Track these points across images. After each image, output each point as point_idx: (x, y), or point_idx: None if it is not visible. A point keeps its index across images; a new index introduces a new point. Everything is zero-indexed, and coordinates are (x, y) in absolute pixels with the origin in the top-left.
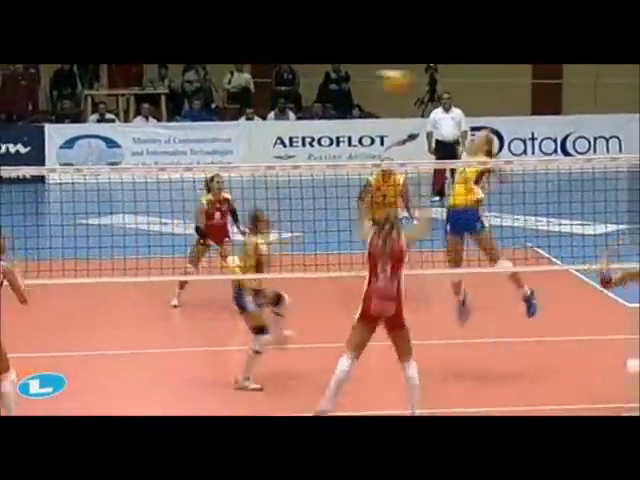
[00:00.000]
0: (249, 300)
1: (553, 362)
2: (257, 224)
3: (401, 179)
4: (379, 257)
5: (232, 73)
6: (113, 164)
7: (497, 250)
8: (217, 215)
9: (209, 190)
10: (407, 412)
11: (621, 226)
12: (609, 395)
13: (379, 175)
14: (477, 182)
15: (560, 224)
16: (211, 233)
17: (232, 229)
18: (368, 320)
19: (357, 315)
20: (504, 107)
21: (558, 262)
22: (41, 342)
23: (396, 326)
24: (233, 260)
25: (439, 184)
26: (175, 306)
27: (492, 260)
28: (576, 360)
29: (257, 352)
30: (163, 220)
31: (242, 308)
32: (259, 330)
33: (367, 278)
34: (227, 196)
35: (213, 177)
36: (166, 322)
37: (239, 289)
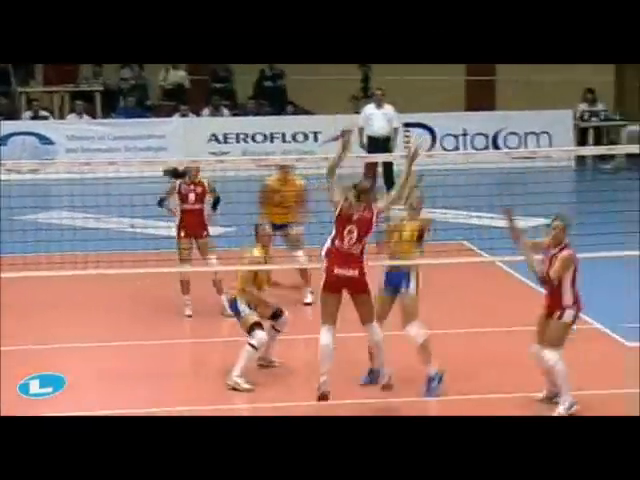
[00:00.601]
0: (242, 305)
1: (478, 352)
2: (257, 237)
3: (301, 183)
4: (347, 222)
5: (167, 70)
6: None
7: (415, 315)
8: (191, 197)
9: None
10: (383, 378)
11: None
12: (532, 385)
13: (278, 177)
14: (420, 238)
15: (488, 218)
16: (187, 220)
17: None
18: (332, 287)
19: (321, 285)
20: (437, 103)
21: (485, 255)
22: None
23: (359, 290)
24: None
25: (371, 178)
26: (189, 315)
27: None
28: (501, 350)
29: (253, 346)
30: (89, 215)
31: (237, 314)
32: (251, 329)
33: (330, 241)
34: (203, 181)
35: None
36: (114, 315)
37: (234, 300)
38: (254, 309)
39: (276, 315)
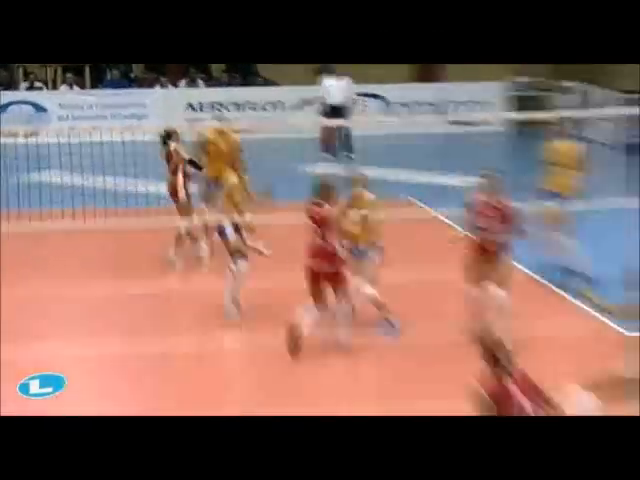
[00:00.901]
0: (229, 229)
1: (426, 299)
2: (234, 169)
3: (235, 138)
4: (312, 222)
5: None
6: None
7: (372, 281)
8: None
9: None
10: (341, 338)
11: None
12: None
13: (214, 129)
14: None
15: (431, 176)
16: (185, 182)
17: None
18: (311, 276)
19: (305, 279)
20: (391, 76)
21: (430, 210)
22: None
23: (339, 284)
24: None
25: (329, 141)
26: (172, 261)
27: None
28: (442, 296)
29: (234, 274)
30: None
31: (223, 235)
32: (235, 253)
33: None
34: None
35: (171, 133)
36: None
37: (220, 227)
38: (239, 236)
39: (239, 255)
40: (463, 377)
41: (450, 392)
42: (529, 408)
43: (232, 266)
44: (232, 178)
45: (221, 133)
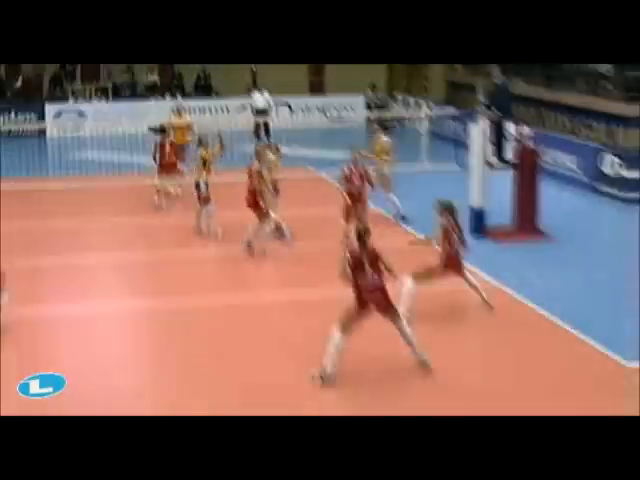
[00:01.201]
0: (202, 185)
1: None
2: (201, 145)
3: (189, 118)
4: (247, 174)
5: (147, 74)
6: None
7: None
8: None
9: (164, 131)
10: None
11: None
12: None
13: (176, 112)
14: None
15: (321, 153)
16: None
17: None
18: (249, 208)
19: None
20: (295, 90)
21: (318, 172)
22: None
23: (259, 212)
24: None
25: (257, 131)
26: (157, 205)
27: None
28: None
29: (209, 214)
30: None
31: (199, 189)
32: (206, 200)
33: None
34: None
35: (167, 128)
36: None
37: (197, 182)
38: (208, 190)
39: (208, 201)
40: (336, 265)
41: (329, 268)
42: (371, 271)
43: (204, 209)
44: (202, 150)
45: (180, 114)
